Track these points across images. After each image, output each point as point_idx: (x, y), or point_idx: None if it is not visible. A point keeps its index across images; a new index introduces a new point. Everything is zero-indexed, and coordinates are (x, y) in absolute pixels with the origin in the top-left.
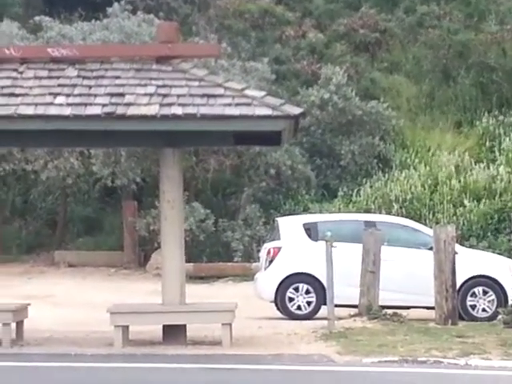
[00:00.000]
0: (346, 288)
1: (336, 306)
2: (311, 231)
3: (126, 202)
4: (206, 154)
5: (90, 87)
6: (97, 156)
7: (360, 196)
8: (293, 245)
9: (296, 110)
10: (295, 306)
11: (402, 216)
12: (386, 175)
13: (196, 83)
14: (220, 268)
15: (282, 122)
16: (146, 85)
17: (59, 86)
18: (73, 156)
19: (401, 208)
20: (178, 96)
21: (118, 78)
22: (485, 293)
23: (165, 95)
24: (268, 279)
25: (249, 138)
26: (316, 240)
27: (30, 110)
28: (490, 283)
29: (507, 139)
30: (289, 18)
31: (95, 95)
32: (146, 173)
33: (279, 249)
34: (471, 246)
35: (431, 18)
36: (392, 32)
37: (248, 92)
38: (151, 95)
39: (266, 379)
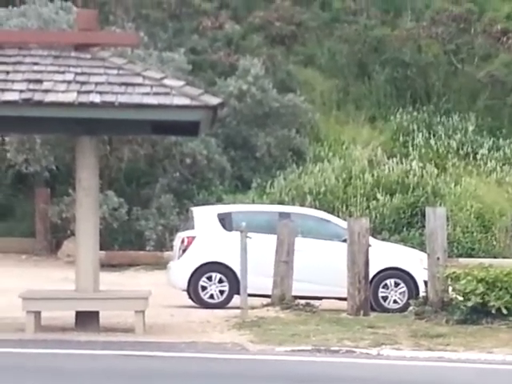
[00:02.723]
0: (259, 278)
1: (249, 295)
2: (225, 221)
3: (38, 189)
4: (119, 143)
5: (7, 73)
6: (11, 142)
7: (274, 188)
8: (207, 234)
9: (215, 101)
10: (208, 295)
11: (316, 208)
12: (300, 168)
13: (115, 71)
14: (132, 256)
15: (200, 112)
16: (64, 72)
17: None
18: None
19: (314, 200)
20: (97, 84)
21: (36, 64)
22: (396, 285)
23: (83, 83)
24: (181, 268)
25: (166, 128)
26: (230, 230)
27: None
28: (401, 275)
29: (420, 135)
30: (206, 8)
31: (13, 81)
32: (60, 160)
33: (193, 238)
34: (383, 240)
35: (347, 13)
36: (307, 25)
37: (167, 81)
38: (69, 82)
39: (180, 366)
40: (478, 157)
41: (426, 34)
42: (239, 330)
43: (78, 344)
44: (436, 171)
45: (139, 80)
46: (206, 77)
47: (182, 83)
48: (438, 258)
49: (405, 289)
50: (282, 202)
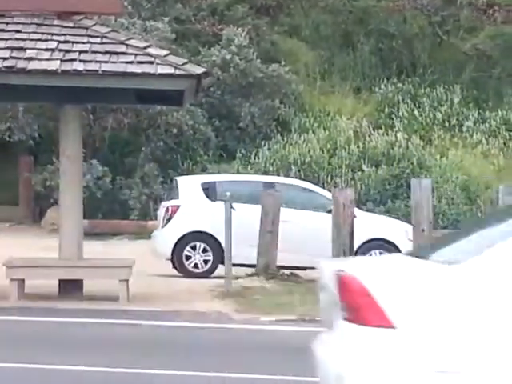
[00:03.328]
0: (243, 248)
1: (233, 265)
2: (209, 191)
3: (21, 157)
4: (103, 112)
5: None
6: None
7: (258, 158)
8: (191, 204)
9: (198, 70)
10: (192, 265)
11: (300, 179)
12: (285, 138)
13: (98, 40)
14: (116, 225)
15: (184, 81)
16: (47, 40)
17: None
18: None
19: (299, 171)
20: (80, 52)
21: (18, 32)
22: (381, 255)
23: (66, 51)
24: (165, 237)
25: (151, 97)
26: (214, 200)
27: None
28: (386, 246)
29: (405, 106)
30: None
31: None
32: (43, 128)
33: (177, 207)
34: (368, 211)
35: None
36: None
37: (151, 50)
38: (52, 50)
39: (164, 335)
40: (464, 129)
41: (411, 5)
42: (223, 300)
43: (61, 312)
44: (421, 143)
45: (123, 49)
46: (189, 46)
47: (165, 52)
48: (423, 230)
49: None
50: (266, 173)
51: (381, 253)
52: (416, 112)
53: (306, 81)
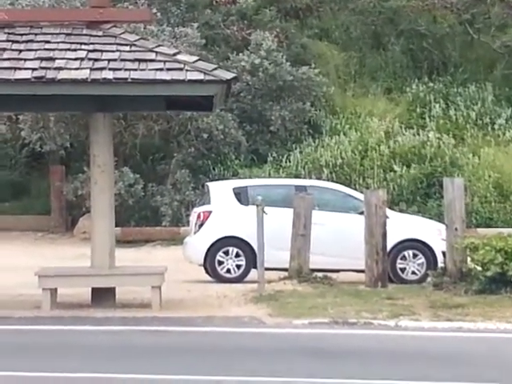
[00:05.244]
0: (276, 251)
1: (266, 269)
2: (241, 196)
3: (53, 167)
4: (134, 119)
5: (19, 51)
6: (25, 121)
7: (290, 161)
8: (223, 209)
9: (228, 75)
10: (225, 270)
11: (332, 181)
12: (317, 141)
13: (127, 48)
14: (148, 232)
15: (214, 87)
16: (76, 49)
17: None
18: (1, 121)
19: (331, 173)
20: (109, 60)
21: (47, 42)
22: (414, 256)
23: (96, 60)
24: (198, 243)
25: (181, 104)
26: (246, 204)
27: None
28: (419, 246)
29: (437, 106)
30: None
31: (25, 59)
32: (74, 138)
33: (209, 213)
34: (401, 211)
35: None
36: None
37: (180, 57)
38: (82, 59)
39: (197, 341)
40: (496, 127)
41: (440, 4)
42: (256, 304)
43: (94, 320)
44: (453, 142)
45: (152, 56)
46: (219, 52)
47: (195, 58)
48: (456, 229)
49: (423, 260)
50: (298, 176)
51: (414, 253)
52: (450, 111)
53: (336, 83)
